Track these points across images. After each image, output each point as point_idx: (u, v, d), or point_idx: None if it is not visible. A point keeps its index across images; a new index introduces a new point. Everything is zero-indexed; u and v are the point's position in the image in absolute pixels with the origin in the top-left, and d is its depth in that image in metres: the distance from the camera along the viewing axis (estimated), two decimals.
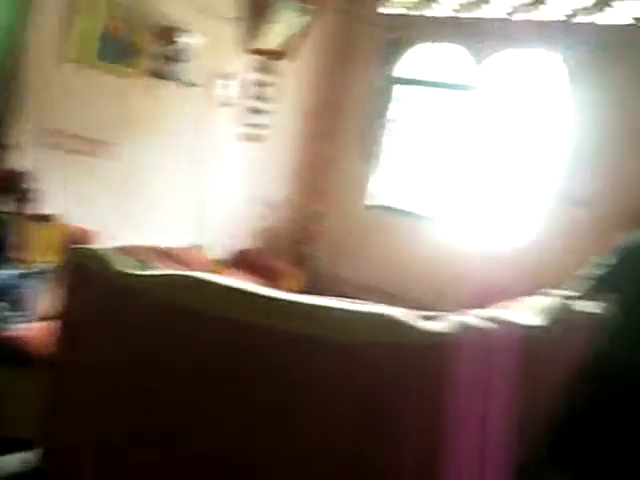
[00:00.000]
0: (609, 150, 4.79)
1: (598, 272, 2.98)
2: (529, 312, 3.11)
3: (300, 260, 5.99)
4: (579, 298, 3.25)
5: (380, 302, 3.40)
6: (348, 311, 2.04)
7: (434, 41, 5.70)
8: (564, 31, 4.97)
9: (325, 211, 6.06)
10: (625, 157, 4.74)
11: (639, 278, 2.84)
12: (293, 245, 6.01)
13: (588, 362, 2.64)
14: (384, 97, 5.95)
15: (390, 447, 2.07)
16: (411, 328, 2.11)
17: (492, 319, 2.62)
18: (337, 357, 1.95)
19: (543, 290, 3.53)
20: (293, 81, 5.87)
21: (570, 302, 3.42)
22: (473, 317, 2.63)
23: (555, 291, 3.45)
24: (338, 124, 6.18)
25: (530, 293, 4.24)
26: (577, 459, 2.85)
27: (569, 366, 3.14)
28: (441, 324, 2.27)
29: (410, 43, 5.80)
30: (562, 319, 3.20)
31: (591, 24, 4.89)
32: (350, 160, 6.08)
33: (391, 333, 2.03)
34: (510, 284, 4.83)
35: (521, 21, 5.21)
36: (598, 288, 2.97)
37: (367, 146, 5.98)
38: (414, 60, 5.88)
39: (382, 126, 5.99)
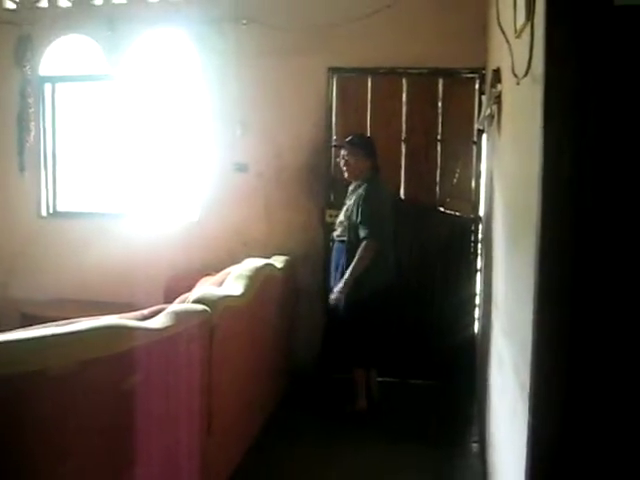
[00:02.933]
0: (257, 114, 5.20)
1: (369, 225, 4.16)
2: (233, 281, 3.40)
3: None
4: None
5: (82, 313, 3.39)
6: (69, 333, 2.03)
7: (65, 34, 5.51)
8: (184, 8, 5.21)
9: None
10: (274, 120, 5.19)
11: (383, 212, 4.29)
12: None
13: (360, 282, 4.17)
14: (32, 99, 5.59)
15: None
16: (135, 330, 2.18)
17: (200, 300, 2.82)
18: (68, 383, 1.95)
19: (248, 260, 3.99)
20: None
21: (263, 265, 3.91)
22: (182, 305, 2.80)
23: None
24: None
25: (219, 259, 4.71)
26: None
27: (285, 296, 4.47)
28: (160, 320, 2.38)
29: (45, 38, 5.52)
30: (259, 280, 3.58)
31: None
32: (7, 172, 5.67)
33: (119, 341, 2.06)
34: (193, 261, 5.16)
35: (145, 4, 5.30)
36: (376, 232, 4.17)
37: (25, 154, 5.62)
38: (58, 56, 5.64)
39: (38, 130, 5.66)
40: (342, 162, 4.47)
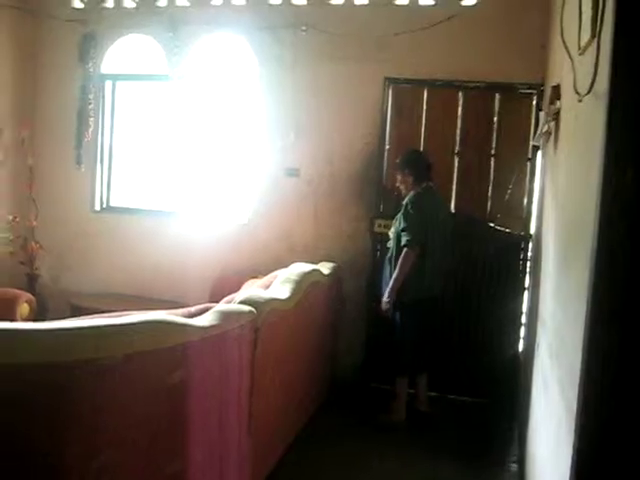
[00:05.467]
0: (311, 120, 5.23)
1: (409, 233, 4.22)
2: (279, 285, 3.42)
3: (30, 282, 5.63)
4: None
5: (130, 308, 3.45)
6: (118, 325, 2.07)
7: (128, 34, 5.64)
8: (245, 14, 5.28)
9: (38, 225, 5.71)
10: (327, 127, 5.22)
11: (425, 220, 4.28)
12: (18, 267, 5.60)
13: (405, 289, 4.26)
14: (93, 95, 5.73)
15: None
16: (182, 327, 2.20)
17: (246, 301, 2.84)
18: (119, 373, 1.98)
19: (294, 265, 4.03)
20: None
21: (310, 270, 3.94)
22: (229, 305, 2.83)
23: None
24: (42, 129, 5.87)
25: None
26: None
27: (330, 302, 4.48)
28: (207, 318, 2.41)
29: (108, 37, 5.67)
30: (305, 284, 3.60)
31: (264, 6, 5.27)
32: (64, 166, 5.82)
33: (167, 336, 2.09)
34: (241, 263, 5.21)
35: (206, 7, 5.39)
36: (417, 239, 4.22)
37: (82, 149, 5.76)
38: (120, 54, 5.79)
39: (97, 125, 5.81)
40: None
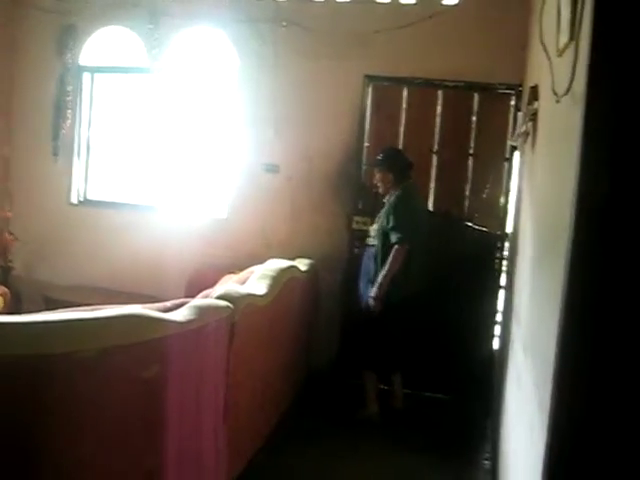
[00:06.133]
0: (290, 116, 5.22)
1: (399, 230, 4.24)
2: (256, 281, 3.42)
3: (3, 274, 5.57)
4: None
5: (103, 301, 3.42)
6: (92, 319, 2.05)
7: (107, 25, 5.59)
8: (224, 7, 5.26)
9: (13, 216, 5.66)
10: (306, 123, 5.21)
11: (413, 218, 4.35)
12: None
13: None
14: (71, 87, 5.68)
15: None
16: (158, 321, 2.19)
17: (223, 297, 2.84)
18: (94, 367, 1.97)
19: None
20: None
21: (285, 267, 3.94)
22: (205, 299, 2.82)
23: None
24: (19, 120, 5.81)
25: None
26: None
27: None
28: (183, 312, 2.40)
29: (87, 29, 5.62)
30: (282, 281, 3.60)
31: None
32: (41, 158, 5.76)
33: (142, 330, 2.08)
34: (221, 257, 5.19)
35: (186, 2, 5.36)
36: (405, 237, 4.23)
37: (59, 141, 5.70)
38: (99, 46, 5.73)
39: (75, 118, 5.75)
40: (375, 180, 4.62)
